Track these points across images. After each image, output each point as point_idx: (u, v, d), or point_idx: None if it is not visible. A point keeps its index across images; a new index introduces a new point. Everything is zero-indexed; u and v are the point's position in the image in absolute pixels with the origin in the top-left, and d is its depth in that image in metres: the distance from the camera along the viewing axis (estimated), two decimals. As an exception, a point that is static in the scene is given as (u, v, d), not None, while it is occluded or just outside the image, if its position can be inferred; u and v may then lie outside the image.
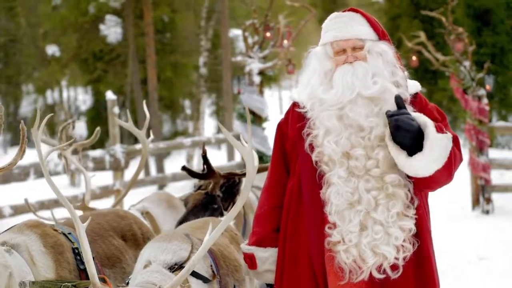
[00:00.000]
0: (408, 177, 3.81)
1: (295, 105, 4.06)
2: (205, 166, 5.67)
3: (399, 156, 3.72)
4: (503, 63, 21.18)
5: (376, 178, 3.79)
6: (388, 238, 3.77)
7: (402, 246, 3.78)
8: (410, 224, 3.79)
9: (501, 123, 15.74)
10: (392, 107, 3.79)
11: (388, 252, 3.76)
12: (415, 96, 3.97)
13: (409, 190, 3.82)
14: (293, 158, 4.03)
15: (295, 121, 4.01)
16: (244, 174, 5.95)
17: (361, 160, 3.79)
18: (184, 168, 5.73)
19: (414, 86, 4.01)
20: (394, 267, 3.79)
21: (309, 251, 3.90)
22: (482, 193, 12.98)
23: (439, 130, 3.75)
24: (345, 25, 3.93)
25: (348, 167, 3.81)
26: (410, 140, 3.70)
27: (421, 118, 3.76)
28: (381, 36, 3.95)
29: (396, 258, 3.78)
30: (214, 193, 5.70)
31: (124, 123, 5.98)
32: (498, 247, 10.22)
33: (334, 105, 3.84)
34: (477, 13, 21.29)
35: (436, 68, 14.42)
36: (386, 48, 3.92)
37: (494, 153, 15.34)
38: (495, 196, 13.20)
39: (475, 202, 13.07)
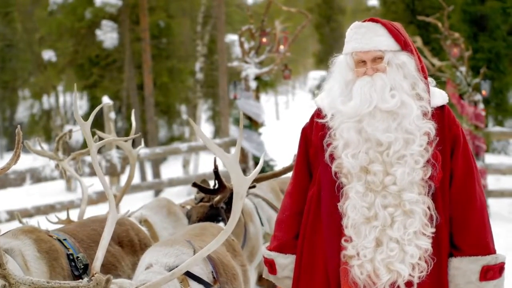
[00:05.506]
0: (428, 194, 3.78)
1: (319, 111, 4.01)
2: (216, 182, 5.63)
3: None
4: (499, 68, 21.20)
5: (394, 194, 3.74)
6: (404, 256, 3.73)
7: (418, 264, 3.74)
8: (427, 244, 3.74)
9: (497, 129, 15.78)
10: (411, 122, 3.74)
11: (402, 270, 3.73)
12: (442, 108, 3.91)
13: (428, 208, 3.76)
14: (315, 164, 4.00)
15: (318, 127, 3.97)
16: (253, 186, 5.93)
17: (379, 175, 3.76)
18: (194, 184, 5.68)
19: (442, 98, 3.93)
20: (408, 284, 3.76)
21: (325, 262, 3.89)
22: (478, 199, 12.96)
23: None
24: (363, 37, 3.85)
25: (365, 181, 3.78)
26: None
27: None
28: (403, 46, 3.87)
29: (411, 276, 3.74)
30: (219, 205, 5.67)
31: (107, 135, 5.91)
32: (495, 252, 10.20)
33: (352, 118, 3.80)
34: (473, 19, 21.33)
35: (432, 74, 14.41)
36: (407, 60, 3.84)
37: (490, 159, 15.36)
38: (491, 202, 13.19)
39: (472, 208, 13.05)
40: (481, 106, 13.08)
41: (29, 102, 29.10)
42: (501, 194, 13.24)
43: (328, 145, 3.88)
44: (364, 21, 3.94)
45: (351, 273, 3.80)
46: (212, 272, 4.27)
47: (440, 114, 3.87)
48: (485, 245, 3.86)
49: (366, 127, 3.77)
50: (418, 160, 3.75)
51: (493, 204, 13.23)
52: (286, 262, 4.09)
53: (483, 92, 13.07)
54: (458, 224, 3.83)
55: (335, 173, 3.86)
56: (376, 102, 3.76)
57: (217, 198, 5.64)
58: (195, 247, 4.24)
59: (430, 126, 3.78)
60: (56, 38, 23.80)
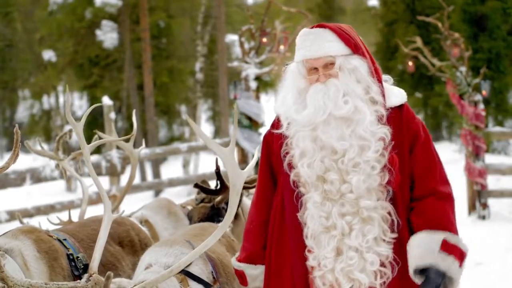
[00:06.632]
0: (386, 199, 3.71)
1: (277, 118, 3.96)
2: (218, 182, 5.62)
3: None
4: (499, 68, 21.21)
5: (351, 202, 3.69)
6: (364, 264, 3.68)
7: (380, 271, 3.69)
8: (387, 250, 3.69)
9: (497, 129, 15.76)
10: (365, 128, 3.68)
11: (362, 279, 3.68)
12: (401, 107, 3.83)
13: (389, 213, 3.71)
14: (278, 172, 3.95)
15: (278, 135, 3.91)
16: (254, 186, 5.92)
17: (336, 184, 3.70)
18: (196, 185, 5.68)
19: (400, 96, 3.85)
20: None
21: (292, 272, 3.86)
22: (478, 199, 12.98)
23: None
24: (313, 43, 3.79)
25: (323, 190, 3.73)
26: None
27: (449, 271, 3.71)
28: (354, 50, 3.79)
29: (373, 284, 3.69)
30: (220, 206, 5.66)
31: (109, 136, 5.88)
32: (495, 252, 10.21)
33: (307, 126, 3.75)
34: (473, 19, 21.33)
35: (432, 74, 14.42)
36: (359, 64, 3.76)
37: (490, 159, 15.35)
38: (491, 202, 13.19)
39: (471, 208, 13.07)
40: (481, 106, 13.06)
41: (29, 102, 29.14)
42: (501, 194, 13.23)
43: (286, 154, 3.84)
44: (312, 27, 3.86)
45: (314, 285, 3.77)
46: (212, 272, 4.27)
47: (397, 114, 3.80)
48: (446, 225, 3.74)
49: (320, 135, 3.71)
50: (375, 166, 3.68)
51: (493, 204, 13.23)
52: (256, 273, 4.05)
53: (483, 92, 13.06)
54: (417, 211, 3.75)
55: (294, 182, 3.81)
56: (330, 110, 3.69)
57: (219, 198, 5.63)
58: (194, 247, 4.23)
59: (385, 131, 3.71)
60: (56, 38, 23.83)
